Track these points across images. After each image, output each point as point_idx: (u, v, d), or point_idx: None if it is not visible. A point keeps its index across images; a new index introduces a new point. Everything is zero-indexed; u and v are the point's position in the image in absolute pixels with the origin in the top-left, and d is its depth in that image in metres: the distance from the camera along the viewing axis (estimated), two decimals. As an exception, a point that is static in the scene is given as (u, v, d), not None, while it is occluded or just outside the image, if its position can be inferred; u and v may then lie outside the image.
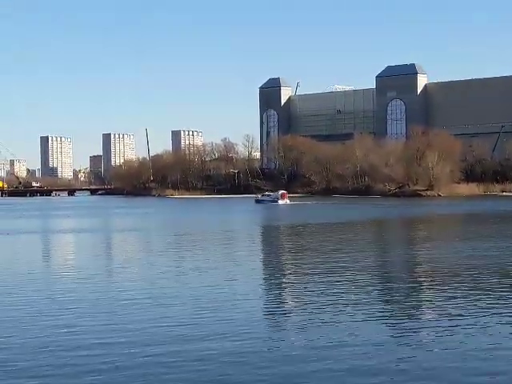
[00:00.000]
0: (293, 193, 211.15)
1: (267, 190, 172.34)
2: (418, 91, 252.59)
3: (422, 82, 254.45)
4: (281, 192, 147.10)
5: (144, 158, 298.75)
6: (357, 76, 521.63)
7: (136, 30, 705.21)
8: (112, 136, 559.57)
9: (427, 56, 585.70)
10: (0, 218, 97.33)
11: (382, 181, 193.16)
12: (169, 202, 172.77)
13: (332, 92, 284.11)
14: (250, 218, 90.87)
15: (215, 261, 37.93)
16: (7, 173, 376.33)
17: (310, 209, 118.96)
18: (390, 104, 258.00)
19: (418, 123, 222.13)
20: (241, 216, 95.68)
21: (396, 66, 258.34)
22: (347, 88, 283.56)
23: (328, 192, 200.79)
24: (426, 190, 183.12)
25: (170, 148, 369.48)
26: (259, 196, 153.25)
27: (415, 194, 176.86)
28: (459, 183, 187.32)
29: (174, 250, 45.31)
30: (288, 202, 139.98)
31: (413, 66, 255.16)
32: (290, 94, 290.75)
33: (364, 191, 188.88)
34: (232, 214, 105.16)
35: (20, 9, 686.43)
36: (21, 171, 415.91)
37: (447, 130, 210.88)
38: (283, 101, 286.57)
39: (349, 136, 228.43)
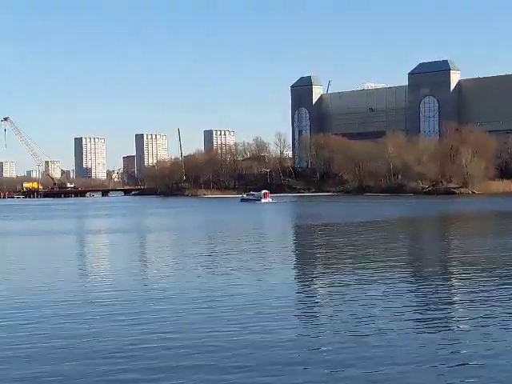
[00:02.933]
0: (325, 191, 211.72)
1: (252, 190, 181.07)
2: (451, 88, 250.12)
3: (455, 78, 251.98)
4: (263, 192, 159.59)
5: (176, 158, 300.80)
6: (389, 73, 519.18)
7: (168, 30, 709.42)
8: (145, 136, 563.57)
9: (460, 52, 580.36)
10: (43, 219, 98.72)
11: (415, 178, 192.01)
12: (192, 202, 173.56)
13: (364, 90, 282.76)
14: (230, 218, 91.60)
15: (249, 260, 38.22)
16: (42, 174, 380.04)
17: (287, 207, 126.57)
18: (422, 101, 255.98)
19: (452, 120, 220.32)
20: (226, 216, 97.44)
21: (429, 62, 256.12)
22: (379, 86, 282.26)
23: (360, 190, 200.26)
24: (460, 187, 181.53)
25: (203, 148, 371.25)
26: (244, 195, 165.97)
27: (449, 192, 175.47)
28: (494, 180, 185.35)
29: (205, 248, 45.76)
30: (270, 200, 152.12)
31: (446, 62, 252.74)
32: (322, 93, 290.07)
33: (397, 189, 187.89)
34: (220, 214, 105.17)
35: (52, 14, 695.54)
36: (55, 172, 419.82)
37: (481, 127, 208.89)
38: (315, 99, 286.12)
39: (381, 134, 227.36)
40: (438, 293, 25.98)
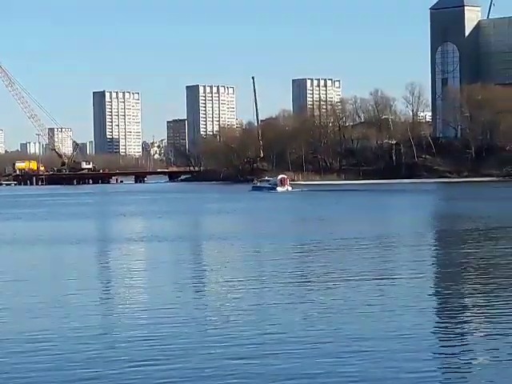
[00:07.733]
0: (485, 175, 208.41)
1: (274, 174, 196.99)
2: None
3: None
4: (280, 177, 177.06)
5: (250, 123, 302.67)
6: None
7: None
8: (201, 89, 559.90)
9: None
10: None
11: None
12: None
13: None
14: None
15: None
16: (44, 148, 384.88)
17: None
18: None
19: None
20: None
21: None
22: None
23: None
24: None
25: (291, 107, 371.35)
26: (257, 182, 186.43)
27: None
28: None
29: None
30: (290, 189, 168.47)
31: None
32: (480, 18, 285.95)
33: None
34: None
35: None
36: (65, 146, 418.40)
37: None
38: (468, 29, 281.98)
39: None
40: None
